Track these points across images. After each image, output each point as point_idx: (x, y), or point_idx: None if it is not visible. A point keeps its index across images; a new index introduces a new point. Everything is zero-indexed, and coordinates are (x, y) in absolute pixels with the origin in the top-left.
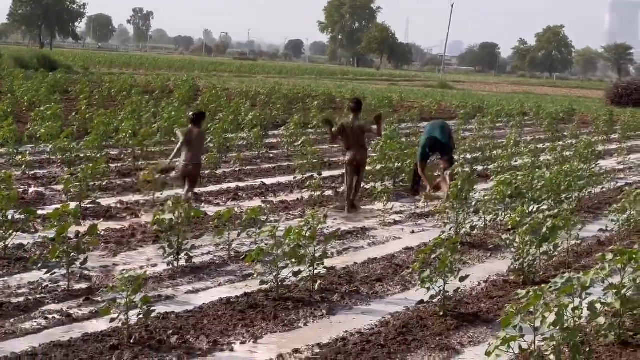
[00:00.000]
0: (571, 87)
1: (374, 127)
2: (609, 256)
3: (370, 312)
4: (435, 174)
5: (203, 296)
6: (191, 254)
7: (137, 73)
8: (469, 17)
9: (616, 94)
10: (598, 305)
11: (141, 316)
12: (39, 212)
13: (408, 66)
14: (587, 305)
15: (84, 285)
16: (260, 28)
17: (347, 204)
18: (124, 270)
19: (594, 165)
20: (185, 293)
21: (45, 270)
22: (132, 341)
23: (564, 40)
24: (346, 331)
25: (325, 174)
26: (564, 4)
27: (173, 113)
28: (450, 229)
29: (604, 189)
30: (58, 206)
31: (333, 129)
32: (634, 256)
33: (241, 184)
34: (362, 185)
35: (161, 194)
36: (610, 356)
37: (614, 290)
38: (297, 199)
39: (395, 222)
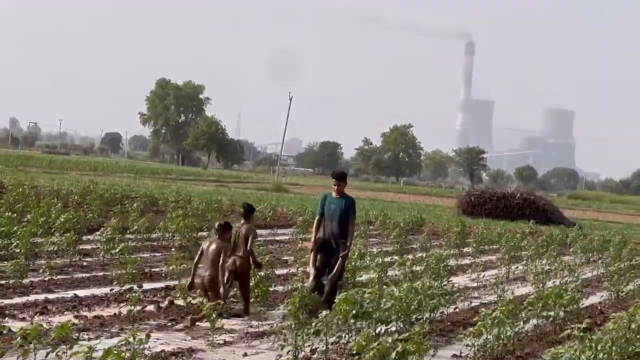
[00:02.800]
0: (420, 193)
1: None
2: None
3: None
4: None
5: None
6: None
7: None
8: (309, 113)
9: (468, 202)
10: None
11: None
12: None
13: (239, 166)
14: None
15: None
16: (74, 118)
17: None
18: None
19: (446, 283)
20: None
21: None
22: None
23: (412, 141)
24: None
25: (147, 286)
26: (412, 101)
27: None
28: (288, 352)
29: (457, 309)
30: None
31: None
32: None
33: (51, 296)
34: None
35: None
36: None
37: None
38: (115, 314)
39: (226, 343)
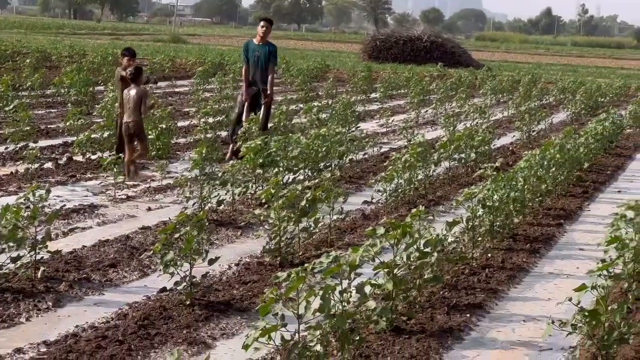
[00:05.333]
0: (323, 40)
1: None
2: (380, 231)
3: (105, 302)
4: None
5: None
6: None
7: None
8: None
9: (374, 47)
10: (368, 288)
11: None
12: None
13: (134, 18)
14: (355, 288)
15: None
16: None
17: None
18: None
19: (354, 129)
20: None
21: None
22: None
23: None
24: (77, 326)
25: (44, 143)
26: None
27: None
28: (193, 205)
29: (367, 156)
30: None
31: None
32: (408, 230)
33: None
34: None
35: None
36: (382, 345)
37: (386, 270)
38: (11, 172)
39: (128, 198)
